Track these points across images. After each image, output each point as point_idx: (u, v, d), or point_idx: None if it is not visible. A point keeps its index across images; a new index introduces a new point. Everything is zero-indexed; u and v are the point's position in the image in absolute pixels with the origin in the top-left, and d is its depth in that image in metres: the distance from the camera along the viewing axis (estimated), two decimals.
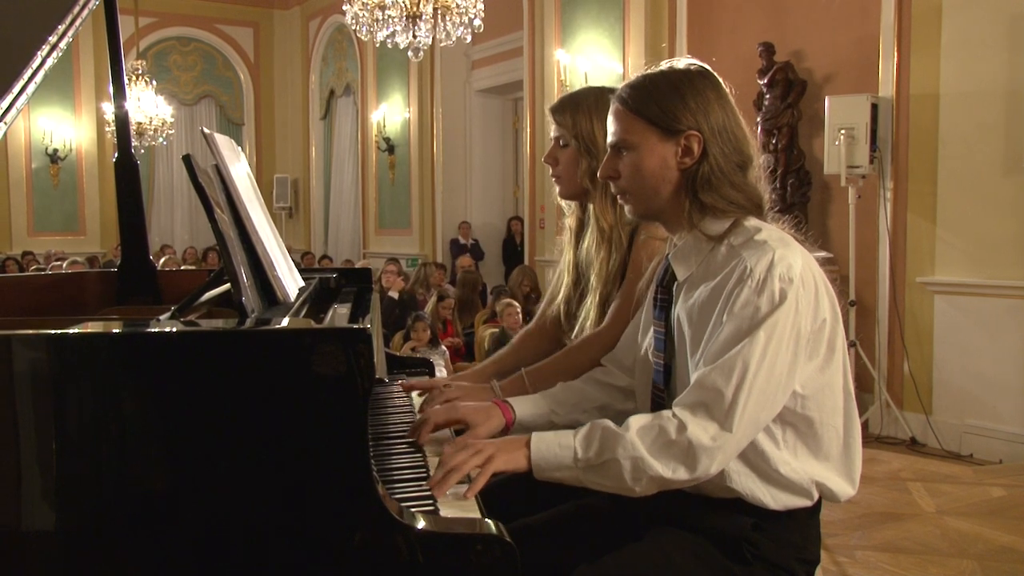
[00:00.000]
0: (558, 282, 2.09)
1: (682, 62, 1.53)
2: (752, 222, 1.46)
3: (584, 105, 1.89)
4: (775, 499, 1.44)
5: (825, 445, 1.45)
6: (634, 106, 1.49)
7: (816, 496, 1.47)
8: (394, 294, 6.93)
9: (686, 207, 1.48)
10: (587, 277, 1.97)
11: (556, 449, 1.41)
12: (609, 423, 1.41)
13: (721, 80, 1.51)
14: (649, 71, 1.53)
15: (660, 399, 1.55)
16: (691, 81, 1.48)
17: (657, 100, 1.47)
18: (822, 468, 1.45)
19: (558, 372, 1.86)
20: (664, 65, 1.53)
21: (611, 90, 1.89)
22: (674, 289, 1.54)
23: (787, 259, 1.37)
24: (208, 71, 13.37)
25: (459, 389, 1.80)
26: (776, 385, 1.36)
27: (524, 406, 1.67)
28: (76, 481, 1.19)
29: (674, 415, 1.37)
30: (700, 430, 1.34)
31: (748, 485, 1.43)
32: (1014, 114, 4.65)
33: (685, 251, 1.51)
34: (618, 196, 1.58)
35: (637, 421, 1.39)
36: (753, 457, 1.42)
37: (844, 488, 1.47)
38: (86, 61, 11.66)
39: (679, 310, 1.51)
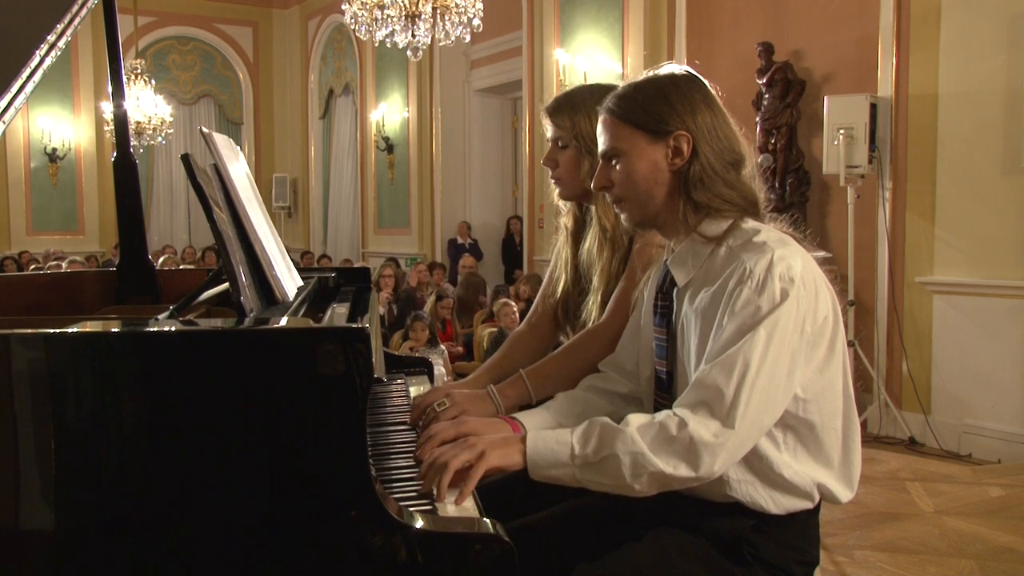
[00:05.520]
0: (553, 281, 2.07)
1: (665, 68, 1.54)
2: (750, 224, 1.46)
3: (581, 104, 1.88)
4: (776, 503, 1.43)
5: (826, 449, 1.45)
6: (620, 113, 1.50)
7: (817, 498, 1.46)
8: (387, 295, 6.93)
9: (681, 208, 1.47)
10: (588, 277, 1.97)
11: (553, 445, 1.39)
12: (608, 420, 1.39)
13: (707, 83, 1.52)
14: (634, 80, 1.54)
15: (663, 406, 1.53)
16: (676, 84, 1.49)
17: (642, 104, 1.48)
18: (822, 471, 1.45)
19: (560, 370, 1.84)
20: (648, 72, 1.54)
21: (604, 87, 1.89)
22: (674, 295, 1.53)
23: (787, 259, 1.37)
24: (207, 70, 13.37)
25: (456, 398, 1.73)
26: (778, 385, 1.35)
27: (532, 421, 1.63)
28: (75, 480, 1.19)
29: (674, 414, 1.36)
30: (702, 427, 1.32)
31: (748, 492, 1.42)
32: (1013, 114, 4.65)
33: (683, 256, 1.51)
34: (614, 205, 1.57)
35: (637, 419, 1.38)
36: (755, 462, 1.41)
37: (843, 491, 1.47)
38: (85, 60, 11.66)
39: (682, 316, 1.50)
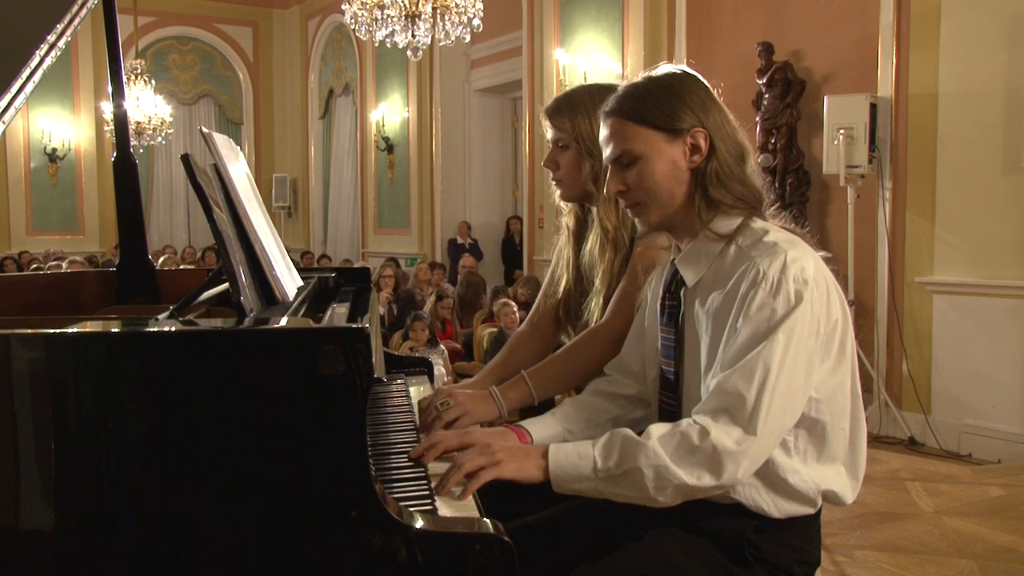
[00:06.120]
0: (555, 282, 2.07)
1: (662, 68, 1.52)
2: (759, 223, 1.45)
3: (581, 106, 1.87)
4: (778, 508, 1.43)
5: (834, 448, 1.44)
6: (632, 114, 1.47)
7: (819, 504, 1.46)
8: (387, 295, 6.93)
9: (696, 204, 1.46)
10: (590, 279, 1.96)
11: (575, 459, 1.38)
12: (629, 432, 1.38)
13: (704, 80, 1.51)
14: (634, 81, 1.51)
15: (670, 406, 1.54)
16: (682, 82, 1.48)
17: (656, 103, 1.46)
18: (829, 472, 1.44)
19: (561, 370, 1.84)
20: (644, 74, 1.52)
21: (604, 88, 1.88)
22: (682, 295, 1.52)
23: (799, 261, 1.36)
24: (207, 70, 13.37)
25: (459, 398, 1.73)
26: (797, 388, 1.35)
27: (538, 429, 1.62)
28: (75, 480, 1.18)
29: (695, 422, 1.35)
30: (724, 435, 1.31)
31: (751, 495, 1.42)
32: (1013, 114, 4.65)
33: (692, 254, 1.50)
34: (630, 209, 1.54)
35: (658, 429, 1.37)
36: (761, 467, 1.39)
37: (848, 491, 1.46)
38: (85, 60, 11.66)
39: (692, 315, 1.49)
